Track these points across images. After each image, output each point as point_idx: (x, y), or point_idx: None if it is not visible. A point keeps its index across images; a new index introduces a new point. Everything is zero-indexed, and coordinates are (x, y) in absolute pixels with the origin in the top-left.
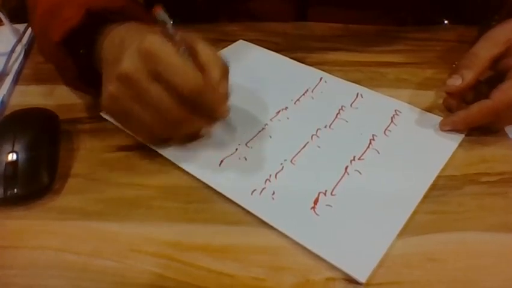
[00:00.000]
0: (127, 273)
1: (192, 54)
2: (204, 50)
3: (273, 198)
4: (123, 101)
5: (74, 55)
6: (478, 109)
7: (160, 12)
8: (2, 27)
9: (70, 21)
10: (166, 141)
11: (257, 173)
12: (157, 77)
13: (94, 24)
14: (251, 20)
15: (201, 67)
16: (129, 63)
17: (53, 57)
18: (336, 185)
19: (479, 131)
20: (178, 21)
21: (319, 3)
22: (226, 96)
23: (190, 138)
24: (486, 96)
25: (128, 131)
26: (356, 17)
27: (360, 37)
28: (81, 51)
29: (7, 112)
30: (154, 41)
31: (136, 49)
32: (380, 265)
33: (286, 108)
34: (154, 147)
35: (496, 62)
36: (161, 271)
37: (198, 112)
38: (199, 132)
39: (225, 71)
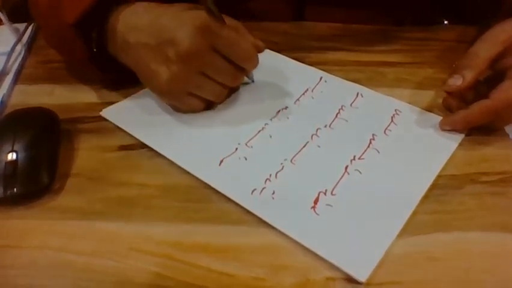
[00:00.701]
0: (127, 273)
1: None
2: (228, 20)
3: (273, 198)
4: (189, 78)
5: (85, 37)
6: (477, 109)
7: None
8: (2, 26)
9: (82, 3)
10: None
11: (257, 172)
12: (215, 49)
13: (105, 5)
14: (250, 19)
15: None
16: (192, 41)
17: (62, 40)
18: (336, 184)
19: (479, 131)
20: None
21: (316, 2)
22: (261, 50)
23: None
24: (485, 95)
25: (184, 107)
26: (354, 17)
27: (360, 37)
28: (93, 34)
29: (7, 112)
30: (207, 18)
31: (193, 27)
32: (380, 265)
33: (286, 107)
34: (154, 147)
35: (495, 61)
36: (161, 270)
37: (243, 70)
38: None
39: (245, 30)
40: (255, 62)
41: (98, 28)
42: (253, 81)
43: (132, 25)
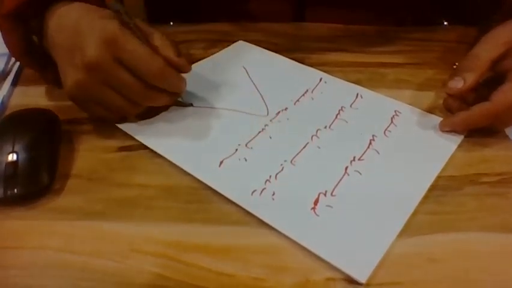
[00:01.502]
0: (127, 273)
1: (145, 38)
2: (155, 34)
3: (273, 199)
4: (91, 88)
5: (22, 30)
6: (478, 111)
7: (112, 3)
8: None
9: None
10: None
11: (257, 173)
12: (122, 63)
13: (43, 2)
14: (250, 20)
15: (156, 49)
16: (96, 52)
17: (2, 31)
18: (336, 185)
19: (479, 132)
20: (178, 22)
21: (317, 3)
22: (186, 67)
23: (155, 113)
24: (486, 97)
25: (92, 116)
26: (354, 18)
27: (360, 38)
28: (32, 24)
29: (7, 112)
30: (116, 29)
31: (100, 37)
32: (380, 265)
33: (286, 108)
34: (153, 148)
35: (496, 63)
36: (161, 271)
37: (162, 90)
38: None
39: (177, 47)
40: (167, 81)
41: (36, 21)
42: (191, 104)
43: (58, 24)
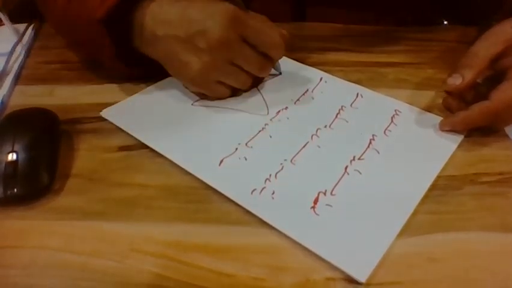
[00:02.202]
0: (127, 273)
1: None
2: (254, 13)
3: (273, 198)
4: (219, 68)
5: (112, 33)
6: (477, 110)
7: None
8: (2, 27)
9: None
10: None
11: (257, 172)
12: (245, 39)
13: (130, 0)
14: None
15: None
16: (223, 32)
17: (88, 37)
18: (336, 184)
19: (479, 131)
20: None
21: (318, 3)
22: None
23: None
24: (485, 95)
25: (213, 96)
26: (355, 17)
27: (360, 37)
28: (120, 28)
29: (7, 112)
30: (236, 9)
31: (223, 18)
32: (380, 265)
33: (286, 108)
34: (154, 148)
35: (495, 61)
36: (161, 271)
37: (272, 61)
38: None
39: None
40: (281, 51)
41: (124, 23)
42: (280, 73)
43: (160, 19)
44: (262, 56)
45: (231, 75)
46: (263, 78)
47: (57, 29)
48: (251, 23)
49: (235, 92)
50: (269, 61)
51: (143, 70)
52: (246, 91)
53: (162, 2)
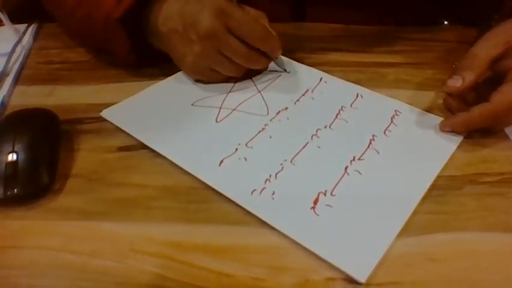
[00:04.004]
0: (127, 273)
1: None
2: (250, 9)
3: (273, 198)
4: (209, 56)
5: (127, 30)
6: (478, 112)
7: None
8: (3, 27)
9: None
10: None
11: (257, 173)
12: (231, 30)
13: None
14: None
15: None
16: (209, 23)
17: (102, 34)
18: (336, 185)
19: (479, 132)
20: None
21: (318, 3)
22: (277, 38)
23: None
24: (486, 96)
25: (207, 81)
26: (355, 17)
27: (360, 37)
28: (136, 28)
29: (7, 112)
30: (222, 2)
31: (210, 10)
32: (380, 265)
33: (286, 108)
34: (154, 148)
35: (495, 62)
36: (161, 271)
37: (262, 53)
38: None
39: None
40: (268, 44)
41: (138, 21)
42: (285, 70)
43: (165, 15)
44: (250, 48)
45: (221, 64)
46: (260, 70)
47: (65, 26)
48: (237, 15)
49: (230, 78)
50: (259, 54)
51: (153, 60)
52: (241, 79)
53: (172, 2)
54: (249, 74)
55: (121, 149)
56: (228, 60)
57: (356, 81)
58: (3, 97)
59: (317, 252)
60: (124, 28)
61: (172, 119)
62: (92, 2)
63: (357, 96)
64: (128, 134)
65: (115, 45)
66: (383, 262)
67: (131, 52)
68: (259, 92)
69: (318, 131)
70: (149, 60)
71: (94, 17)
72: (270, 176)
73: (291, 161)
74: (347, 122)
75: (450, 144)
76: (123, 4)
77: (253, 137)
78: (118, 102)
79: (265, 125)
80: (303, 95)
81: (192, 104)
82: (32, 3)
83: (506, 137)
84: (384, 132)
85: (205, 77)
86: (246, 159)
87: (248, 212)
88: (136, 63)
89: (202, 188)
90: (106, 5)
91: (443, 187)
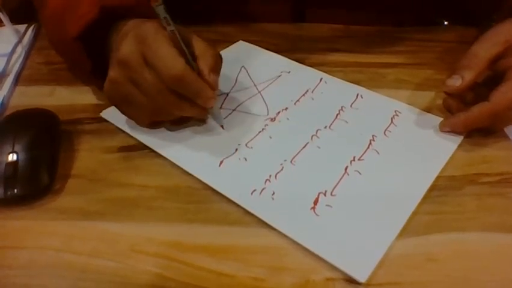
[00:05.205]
0: (127, 274)
1: (187, 45)
2: (196, 42)
3: (272, 199)
4: (121, 85)
5: (88, 50)
6: (477, 112)
7: (154, 5)
8: (3, 28)
9: (85, 17)
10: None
11: (257, 173)
12: (147, 61)
13: (108, 20)
14: (250, 20)
15: (195, 57)
16: (126, 48)
17: (67, 52)
18: (336, 185)
19: (479, 132)
20: (177, 22)
21: (317, 4)
22: (213, 86)
23: (182, 122)
24: (485, 96)
25: (127, 116)
26: (355, 18)
27: (360, 38)
28: (95, 45)
29: (7, 113)
30: (149, 28)
31: (132, 35)
32: (380, 265)
33: (286, 108)
34: (154, 148)
35: (494, 62)
36: (161, 271)
37: (186, 98)
38: (191, 118)
39: (216, 63)
40: (185, 87)
41: (100, 42)
42: (222, 127)
43: (116, 39)
44: (166, 86)
45: (132, 98)
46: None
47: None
48: (154, 45)
49: (149, 119)
50: (177, 95)
51: None
52: (155, 125)
53: (130, 23)
54: (184, 120)
55: (121, 149)
56: (137, 93)
57: (356, 82)
58: (4, 97)
59: (317, 253)
60: (85, 46)
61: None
62: (58, 21)
63: (357, 97)
64: (128, 135)
65: (76, 65)
66: (383, 262)
67: (91, 73)
68: (259, 92)
69: (318, 131)
70: None
71: (60, 35)
72: (270, 176)
73: (291, 161)
74: (347, 122)
75: (450, 144)
76: (79, 23)
77: (253, 137)
78: None
79: (265, 125)
80: (303, 95)
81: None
82: (31, 4)
83: (506, 137)
84: (384, 133)
85: (120, 109)
86: (246, 160)
87: (248, 212)
88: (98, 86)
89: (202, 189)
90: (67, 21)
91: (443, 187)
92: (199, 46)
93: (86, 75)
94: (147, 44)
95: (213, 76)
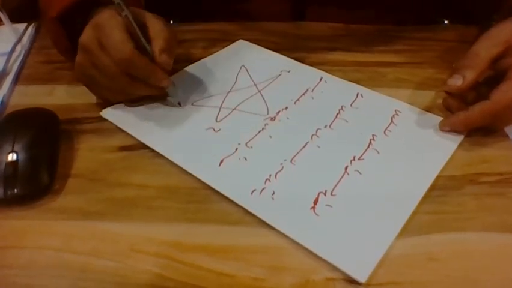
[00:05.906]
0: (127, 273)
1: (143, 28)
2: (151, 24)
3: (272, 198)
4: (85, 68)
5: (68, 32)
6: (477, 111)
7: None
8: (3, 27)
9: (65, 1)
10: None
11: (257, 173)
12: (102, 46)
13: (88, 6)
14: (250, 19)
15: (150, 40)
16: (85, 35)
17: (49, 31)
18: (336, 185)
19: (479, 131)
20: (178, 21)
21: (317, 2)
22: (164, 67)
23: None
24: (485, 95)
25: (97, 96)
26: (355, 17)
27: (360, 37)
28: (77, 25)
29: (7, 112)
30: (104, 15)
31: (91, 22)
32: (380, 265)
33: (286, 108)
34: (154, 148)
35: (495, 61)
36: (161, 271)
37: (139, 79)
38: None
39: (168, 43)
40: (135, 69)
41: (80, 26)
42: (179, 104)
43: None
44: (119, 68)
45: (95, 80)
46: (153, 100)
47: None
48: (107, 30)
49: (115, 98)
50: (129, 77)
51: None
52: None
53: (106, 9)
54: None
55: (121, 148)
56: (103, 77)
57: (356, 81)
58: (3, 97)
59: (317, 252)
60: (64, 26)
61: (172, 118)
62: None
63: (357, 96)
64: (128, 134)
65: (55, 43)
66: (383, 262)
67: (67, 53)
68: (259, 91)
69: (318, 130)
70: None
71: (45, 14)
72: (270, 175)
73: (291, 161)
74: (347, 121)
75: (450, 144)
76: (61, 5)
77: (253, 137)
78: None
79: (265, 125)
80: (303, 94)
81: (192, 104)
82: (31, 3)
83: (506, 136)
84: (384, 132)
85: (91, 89)
86: (246, 159)
87: (248, 212)
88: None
89: (202, 188)
90: (53, 4)
91: (443, 187)
92: (153, 28)
93: (63, 54)
94: (102, 30)
95: (164, 57)
